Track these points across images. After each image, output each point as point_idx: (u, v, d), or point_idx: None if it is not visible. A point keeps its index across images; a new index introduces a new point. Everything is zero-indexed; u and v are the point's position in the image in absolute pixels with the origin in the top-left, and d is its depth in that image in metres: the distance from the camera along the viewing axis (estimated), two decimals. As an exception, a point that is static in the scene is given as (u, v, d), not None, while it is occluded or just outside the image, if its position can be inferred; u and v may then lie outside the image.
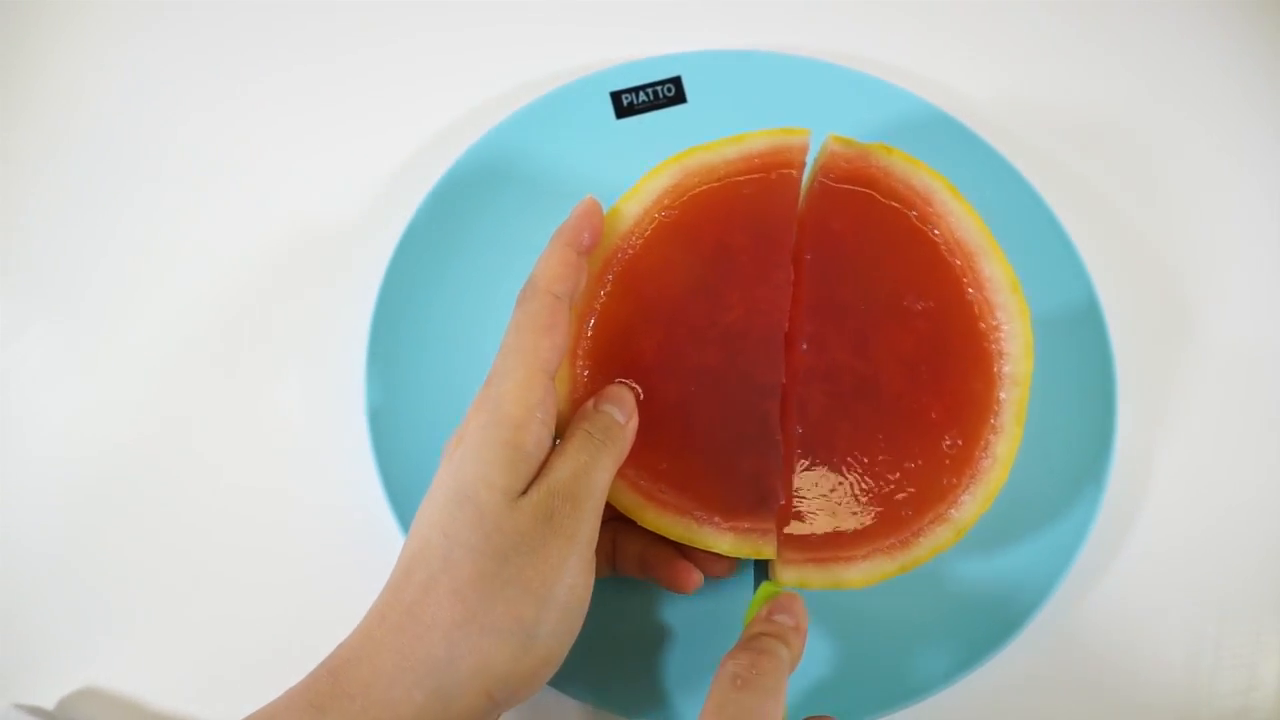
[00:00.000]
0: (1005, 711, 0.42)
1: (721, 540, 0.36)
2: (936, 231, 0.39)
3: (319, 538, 0.44)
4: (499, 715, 0.32)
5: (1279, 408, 0.48)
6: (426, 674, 0.30)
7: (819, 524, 0.37)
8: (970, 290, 0.39)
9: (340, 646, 0.32)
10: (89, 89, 0.52)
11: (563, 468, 0.32)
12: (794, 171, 0.38)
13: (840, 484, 0.38)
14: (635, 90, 0.51)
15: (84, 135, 0.51)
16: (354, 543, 0.43)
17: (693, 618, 0.42)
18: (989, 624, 0.41)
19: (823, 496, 0.38)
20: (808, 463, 0.38)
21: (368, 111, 0.52)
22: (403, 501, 0.41)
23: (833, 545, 0.37)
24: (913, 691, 0.40)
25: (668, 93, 0.51)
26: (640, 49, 0.52)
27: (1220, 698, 0.42)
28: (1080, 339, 0.46)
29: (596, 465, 0.33)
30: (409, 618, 0.31)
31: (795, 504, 0.37)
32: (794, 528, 0.37)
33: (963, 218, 0.39)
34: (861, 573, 0.37)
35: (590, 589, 0.33)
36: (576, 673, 0.38)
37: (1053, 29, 0.57)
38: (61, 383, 0.46)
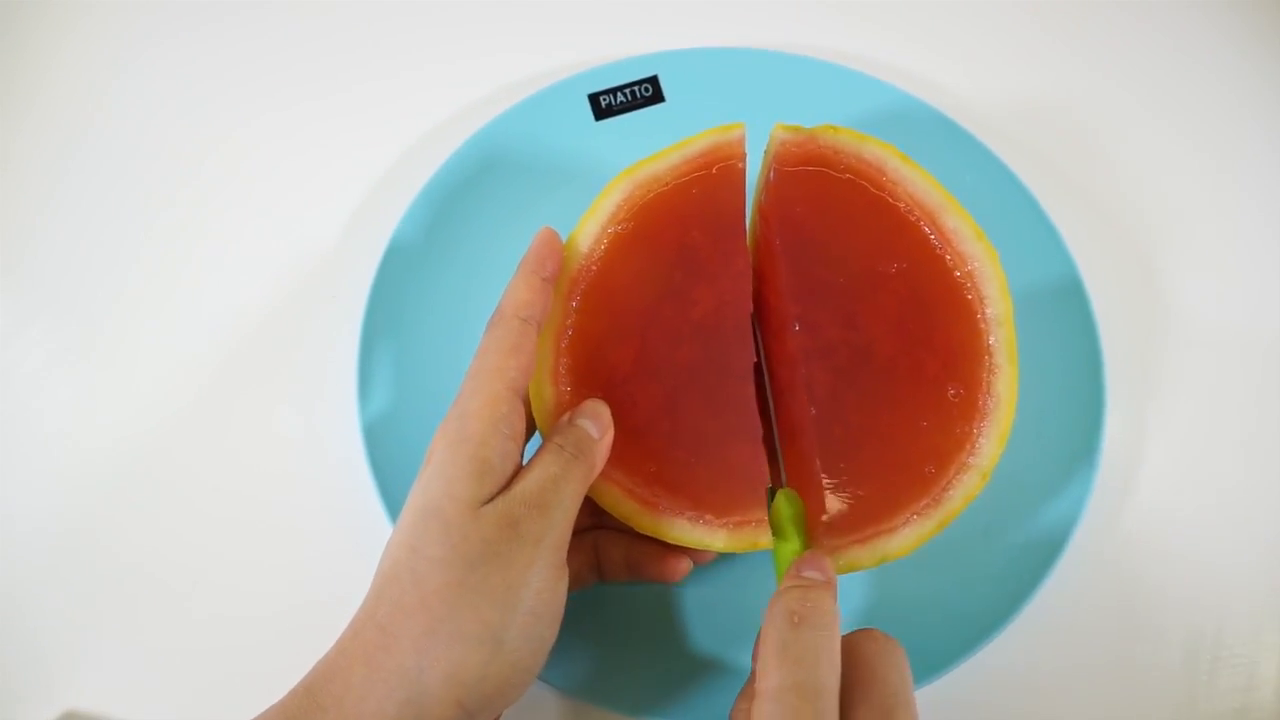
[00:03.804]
0: (1002, 709, 0.42)
1: (716, 538, 0.37)
2: (894, 199, 0.40)
3: (316, 554, 0.44)
4: None
5: (1264, 395, 0.48)
6: (398, 685, 0.30)
7: (852, 503, 0.38)
8: (936, 243, 0.39)
9: (316, 664, 0.32)
10: (89, 95, 0.54)
11: (531, 479, 0.33)
12: (736, 163, 0.39)
13: (862, 457, 0.38)
14: (613, 91, 0.52)
15: (84, 141, 0.53)
16: (354, 557, 0.41)
17: (691, 612, 0.43)
18: (983, 612, 0.41)
19: (849, 474, 0.38)
20: (827, 442, 0.38)
21: (350, 125, 0.54)
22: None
23: (870, 521, 0.38)
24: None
25: (645, 92, 0.52)
26: (616, 49, 0.53)
27: (1220, 697, 0.42)
28: (1065, 322, 0.46)
29: (566, 477, 0.33)
30: (380, 633, 0.31)
31: (825, 487, 0.38)
32: (829, 512, 0.38)
33: (917, 181, 0.40)
34: (904, 540, 0.37)
35: (562, 596, 0.33)
36: (578, 673, 0.41)
37: (1026, 18, 0.56)
38: (57, 386, 0.47)
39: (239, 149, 0.53)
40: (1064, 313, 0.46)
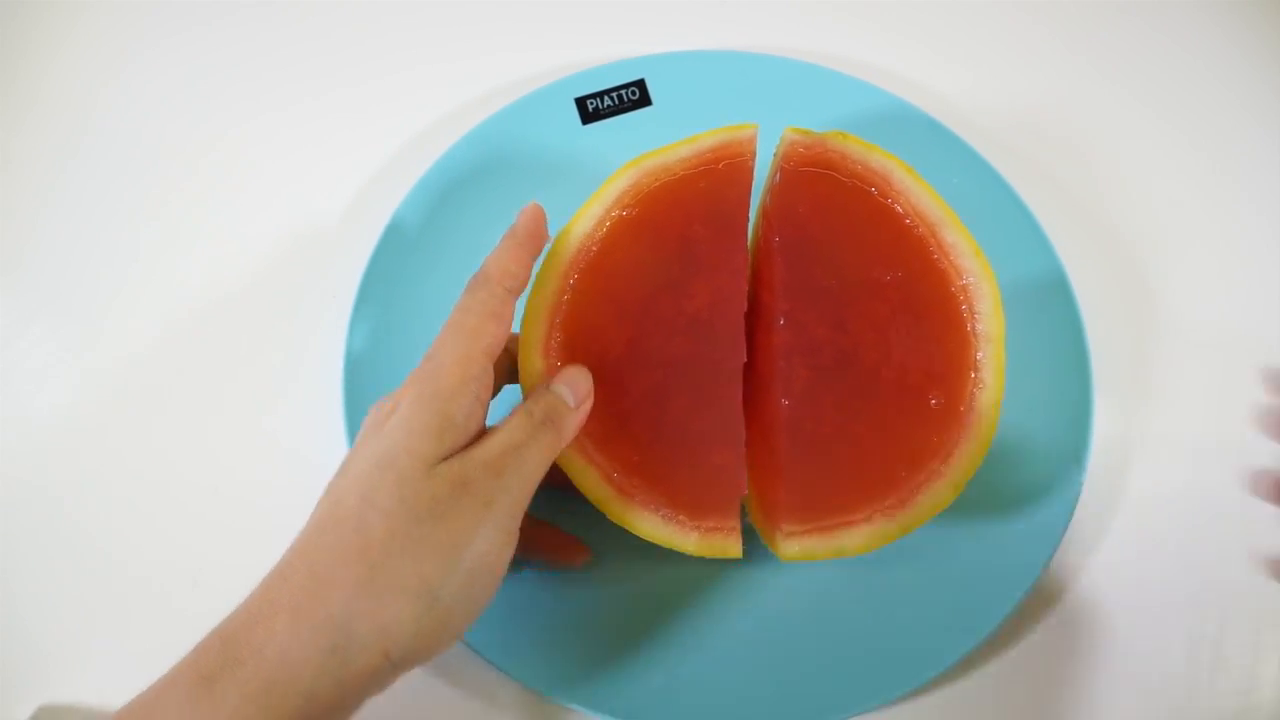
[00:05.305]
0: (1002, 710, 0.42)
1: (687, 540, 0.37)
2: (898, 206, 0.40)
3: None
4: (396, 676, 0.32)
5: (1253, 395, 0.47)
6: (324, 633, 0.29)
7: (815, 493, 0.38)
8: (936, 255, 0.39)
9: (236, 610, 0.31)
10: (88, 95, 0.54)
11: (493, 442, 0.33)
12: (746, 161, 0.39)
13: (831, 452, 0.38)
14: (599, 95, 0.51)
15: (84, 140, 0.52)
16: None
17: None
18: (975, 611, 0.41)
19: (817, 466, 0.38)
20: (797, 434, 0.38)
21: (340, 126, 0.54)
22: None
23: (832, 512, 0.38)
24: (900, 683, 0.40)
25: (632, 96, 0.52)
26: (604, 52, 0.53)
27: (1220, 697, 0.42)
28: (1052, 324, 0.46)
29: (531, 444, 0.33)
30: (312, 578, 0.30)
31: (789, 475, 0.38)
32: (791, 499, 0.38)
33: (920, 194, 0.40)
34: (864, 537, 0.37)
35: (505, 562, 0.33)
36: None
37: (1011, 22, 0.58)
38: (56, 385, 0.47)
39: (235, 149, 0.53)
40: (1050, 314, 0.47)
